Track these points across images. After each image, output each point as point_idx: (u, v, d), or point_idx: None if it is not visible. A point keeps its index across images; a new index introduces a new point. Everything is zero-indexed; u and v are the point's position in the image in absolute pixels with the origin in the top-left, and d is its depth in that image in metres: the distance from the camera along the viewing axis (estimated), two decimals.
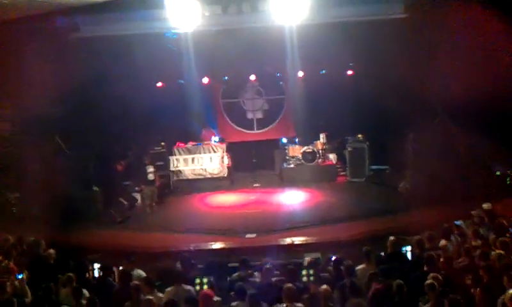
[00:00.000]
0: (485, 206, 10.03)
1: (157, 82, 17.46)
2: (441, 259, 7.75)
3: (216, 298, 6.77)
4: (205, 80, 17.76)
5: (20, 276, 7.94)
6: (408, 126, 14.38)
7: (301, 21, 12.72)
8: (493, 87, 11.61)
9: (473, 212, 9.84)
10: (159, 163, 15.91)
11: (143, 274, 8.29)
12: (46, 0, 9.97)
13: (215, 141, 17.24)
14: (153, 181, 15.21)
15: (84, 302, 7.14)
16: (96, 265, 9.16)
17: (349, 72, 17.35)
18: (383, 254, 8.80)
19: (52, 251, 9.21)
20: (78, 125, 14.10)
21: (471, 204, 10.37)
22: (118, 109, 15.17)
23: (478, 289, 6.66)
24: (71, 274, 7.91)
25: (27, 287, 7.85)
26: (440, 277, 6.83)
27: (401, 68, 14.04)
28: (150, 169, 15.27)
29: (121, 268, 8.71)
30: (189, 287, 7.52)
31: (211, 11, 12.53)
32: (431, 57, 13.03)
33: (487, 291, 6.50)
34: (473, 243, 8.23)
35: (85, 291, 7.56)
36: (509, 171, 13.28)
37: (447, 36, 12.47)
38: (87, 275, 8.95)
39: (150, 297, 6.96)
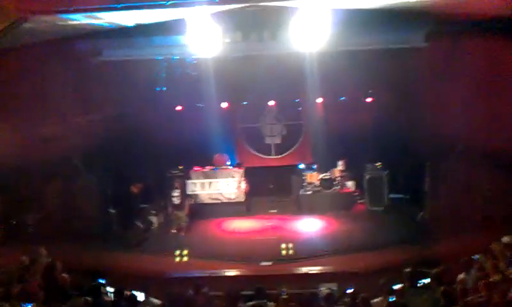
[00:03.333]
0: (505, 239, 9.84)
1: (176, 106, 17.56)
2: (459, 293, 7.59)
3: None
4: (224, 104, 17.83)
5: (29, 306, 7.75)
6: (427, 156, 14.24)
7: (321, 48, 12.76)
8: None
9: (492, 246, 9.64)
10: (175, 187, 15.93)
11: (158, 302, 8.24)
12: (68, 24, 10.10)
13: (230, 166, 17.23)
14: (179, 206, 15.23)
15: None
16: (110, 289, 9.10)
17: (369, 99, 17.27)
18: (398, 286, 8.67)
19: (66, 275, 9.20)
20: (96, 147, 14.22)
21: (490, 237, 10.17)
22: (136, 132, 15.31)
23: None
24: (88, 298, 7.87)
25: None
26: None
27: (421, 97, 14.01)
28: (176, 192, 15.31)
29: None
30: None
31: (232, 38, 12.60)
32: (451, 87, 12.94)
33: None
34: (492, 278, 8.04)
35: None
36: None
37: (468, 66, 12.39)
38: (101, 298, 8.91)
39: None
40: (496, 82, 12.02)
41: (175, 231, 14.83)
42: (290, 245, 12.85)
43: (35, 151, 12.80)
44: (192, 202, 16.29)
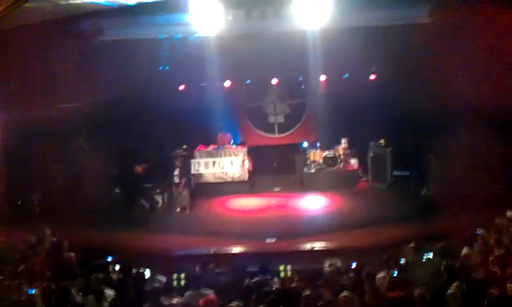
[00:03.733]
0: (509, 214, 9.88)
1: (179, 85, 17.53)
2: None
3: (234, 304, 6.74)
4: (227, 83, 17.78)
5: (32, 291, 7.66)
6: (431, 132, 14.22)
7: (324, 25, 12.69)
8: None
9: (496, 220, 9.68)
10: (184, 166, 16.02)
11: (163, 279, 8.32)
12: (70, 3, 10.08)
13: (233, 144, 17.26)
14: (178, 184, 15.29)
15: (106, 304, 7.16)
16: (116, 267, 9.18)
17: (372, 77, 17.19)
18: (403, 261, 8.73)
19: (72, 254, 9.28)
20: (101, 126, 14.25)
21: (494, 212, 10.20)
22: (140, 111, 15.32)
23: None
24: (99, 275, 7.96)
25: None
26: (464, 286, 6.71)
27: (425, 73, 13.94)
28: (176, 172, 15.39)
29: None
30: (208, 291, 7.53)
31: (234, 16, 12.56)
32: (456, 61, 12.89)
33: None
34: (496, 252, 8.08)
35: (108, 292, 7.60)
36: None
37: (472, 39, 12.32)
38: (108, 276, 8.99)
39: (169, 301, 7.00)
40: (502, 53, 11.96)
41: (179, 210, 14.90)
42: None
43: (39, 130, 12.87)
44: (193, 181, 16.37)
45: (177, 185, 15.35)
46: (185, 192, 15.17)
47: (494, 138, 12.70)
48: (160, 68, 16.13)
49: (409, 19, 13.49)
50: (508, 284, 6.80)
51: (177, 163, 15.70)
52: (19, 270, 8.27)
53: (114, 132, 14.55)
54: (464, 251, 8.61)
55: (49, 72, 12.64)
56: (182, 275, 8.38)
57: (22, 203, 13.93)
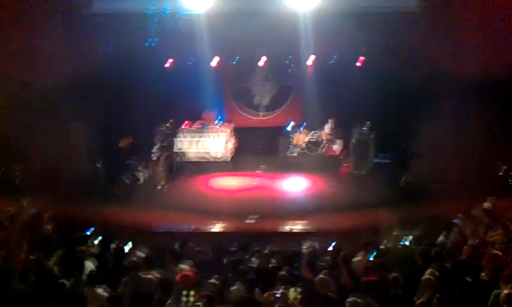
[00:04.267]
0: (486, 205, 10.05)
1: (166, 62, 17.40)
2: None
3: (213, 280, 6.82)
4: (214, 62, 17.67)
5: None
6: (414, 120, 14.35)
7: (314, 8, 12.67)
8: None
9: (472, 211, 9.85)
10: (164, 143, 15.97)
11: (142, 254, 8.36)
12: None
13: (219, 121, 17.24)
14: (157, 161, 15.27)
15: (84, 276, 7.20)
16: (96, 241, 9.20)
17: (360, 60, 17.18)
18: (382, 246, 8.88)
19: (51, 225, 9.29)
20: (85, 100, 14.15)
21: (472, 202, 10.37)
22: (126, 86, 15.22)
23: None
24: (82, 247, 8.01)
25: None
26: (437, 273, 6.85)
27: (412, 59, 14.06)
28: (155, 148, 15.37)
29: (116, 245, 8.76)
30: (185, 266, 7.60)
31: None
32: (443, 48, 13.00)
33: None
34: (471, 242, 8.24)
35: (88, 264, 7.65)
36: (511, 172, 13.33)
37: (460, 26, 12.44)
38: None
39: (148, 275, 7.05)
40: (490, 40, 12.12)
41: (160, 187, 14.88)
42: None
43: (21, 100, 12.75)
44: (176, 158, 16.37)
45: (155, 162, 15.30)
46: (162, 170, 15.11)
47: (476, 128, 12.87)
48: (147, 43, 16.01)
49: (400, 7, 13.55)
50: (482, 274, 6.95)
51: (156, 140, 15.64)
52: None
53: (99, 106, 14.44)
54: (440, 238, 8.78)
55: (34, 42, 12.50)
56: None
57: (2, 174, 13.83)
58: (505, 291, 6.00)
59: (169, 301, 6.34)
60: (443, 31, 13.08)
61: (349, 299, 6.02)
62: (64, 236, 9.09)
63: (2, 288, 6.56)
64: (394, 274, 6.77)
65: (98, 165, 14.56)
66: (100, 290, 6.74)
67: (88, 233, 9.40)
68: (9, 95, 12.46)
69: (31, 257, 7.50)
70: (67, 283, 6.85)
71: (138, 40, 15.33)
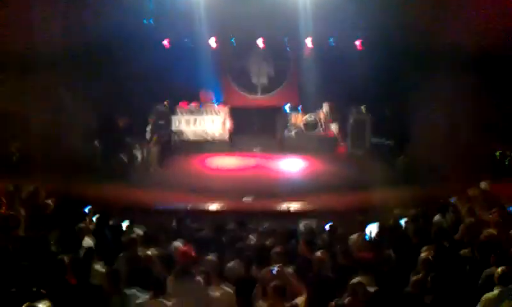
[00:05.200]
0: (482, 185, 10.12)
1: (164, 41, 17.30)
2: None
3: (211, 257, 6.86)
4: (212, 41, 17.57)
5: None
6: (411, 102, 14.37)
7: None
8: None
9: (469, 191, 9.91)
10: (160, 122, 15.94)
11: (141, 231, 8.40)
12: None
13: (215, 102, 17.20)
14: (150, 141, 15.27)
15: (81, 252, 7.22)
16: (94, 217, 9.22)
17: (358, 43, 17.13)
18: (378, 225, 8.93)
19: (50, 201, 9.31)
20: (82, 79, 14.11)
21: (469, 183, 10.43)
22: (124, 65, 15.16)
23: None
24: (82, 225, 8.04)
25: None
26: (433, 251, 6.91)
27: (409, 41, 14.04)
28: (148, 127, 15.37)
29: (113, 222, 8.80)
30: (179, 244, 7.65)
31: None
32: (440, 30, 13.00)
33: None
34: (467, 220, 8.30)
35: (87, 240, 7.69)
36: (508, 152, 13.37)
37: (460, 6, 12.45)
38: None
39: (147, 252, 7.10)
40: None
41: (151, 169, 14.85)
42: None
43: (19, 76, 12.72)
44: (174, 137, 16.36)
45: (149, 141, 15.31)
46: (155, 149, 15.10)
47: (475, 109, 12.91)
48: (145, 21, 15.92)
49: None
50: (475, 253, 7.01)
51: (150, 119, 15.63)
52: None
53: (96, 84, 14.40)
54: (437, 217, 8.84)
55: (31, 17, 12.43)
56: None
57: (1, 152, 13.81)
58: (499, 270, 6.02)
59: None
60: (442, 9, 13.06)
61: (354, 280, 6.03)
62: (63, 214, 9.10)
63: (1, 266, 6.58)
64: (388, 252, 6.84)
65: (96, 143, 14.54)
66: (97, 266, 6.78)
67: (86, 211, 9.41)
68: (6, 72, 12.42)
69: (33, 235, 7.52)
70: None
71: (136, 18, 15.24)
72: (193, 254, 6.96)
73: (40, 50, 12.79)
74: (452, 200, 9.51)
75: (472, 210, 8.87)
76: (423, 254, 6.79)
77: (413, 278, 6.36)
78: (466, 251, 7.11)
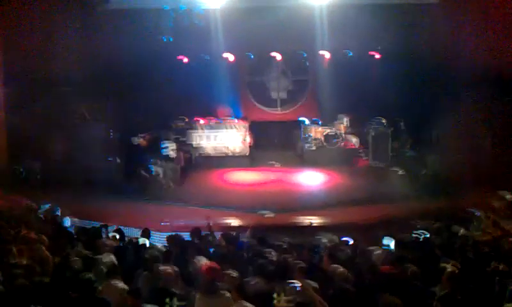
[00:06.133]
0: (508, 197, 9.95)
1: (182, 57, 17.43)
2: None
3: (233, 272, 6.79)
4: (231, 57, 17.66)
5: None
6: (433, 113, 14.23)
7: (330, 1, 12.58)
8: None
9: (494, 202, 9.75)
10: (180, 138, 16.02)
11: (162, 247, 8.38)
12: None
13: (235, 118, 17.25)
14: (173, 159, 15.30)
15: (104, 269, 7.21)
16: (116, 234, 9.24)
17: (377, 55, 17.08)
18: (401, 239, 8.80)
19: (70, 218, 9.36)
20: (102, 96, 14.24)
21: (492, 194, 10.27)
22: (143, 82, 15.29)
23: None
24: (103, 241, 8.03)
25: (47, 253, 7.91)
26: (459, 265, 6.77)
27: (428, 53, 13.92)
28: (172, 145, 15.39)
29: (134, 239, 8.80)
30: (203, 259, 7.60)
31: None
32: (460, 41, 12.88)
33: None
34: (492, 233, 8.15)
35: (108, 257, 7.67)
36: None
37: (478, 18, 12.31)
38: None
39: (167, 269, 7.06)
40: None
41: (172, 184, 14.88)
42: None
43: (41, 98, 12.86)
44: (193, 153, 16.40)
45: (169, 157, 15.35)
46: (175, 165, 15.12)
47: (496, 119, 12.73)
48: (164, 39, 16.06)
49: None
50: (501, 265, 6.85)
51: (170, 136, 15.68)
52: (21, 235, 8.33)
53: (116, 102, 14.53)
54: (461, 231, 8.69)
55: (52, 39, 12.60)
56: None
57: (24, 171, 13.94)
58: None
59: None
60: (461, 22, 12.94)
61: (384, 298, 5.90)
62: (83, 231, 9.15)
63: (24, 283, 6.60)
64: (413, 267, 6.71)
65: (117, 160, 14.63)
66: (120, 284, 6.75)
67: (106, 228, 9.43)
68: (28, 93, 12.58)
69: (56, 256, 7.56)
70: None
71: (155, 36, 15.39)
72: (219, 269, 6.90)
73: (60, 75, 12.95)
74: (476, 212, 9.35)
75: (497, 222, 8.72)
76: (449, 268, 6.65)
77: (440, 293, 6.22)
78: (493, 263, 6.95)
